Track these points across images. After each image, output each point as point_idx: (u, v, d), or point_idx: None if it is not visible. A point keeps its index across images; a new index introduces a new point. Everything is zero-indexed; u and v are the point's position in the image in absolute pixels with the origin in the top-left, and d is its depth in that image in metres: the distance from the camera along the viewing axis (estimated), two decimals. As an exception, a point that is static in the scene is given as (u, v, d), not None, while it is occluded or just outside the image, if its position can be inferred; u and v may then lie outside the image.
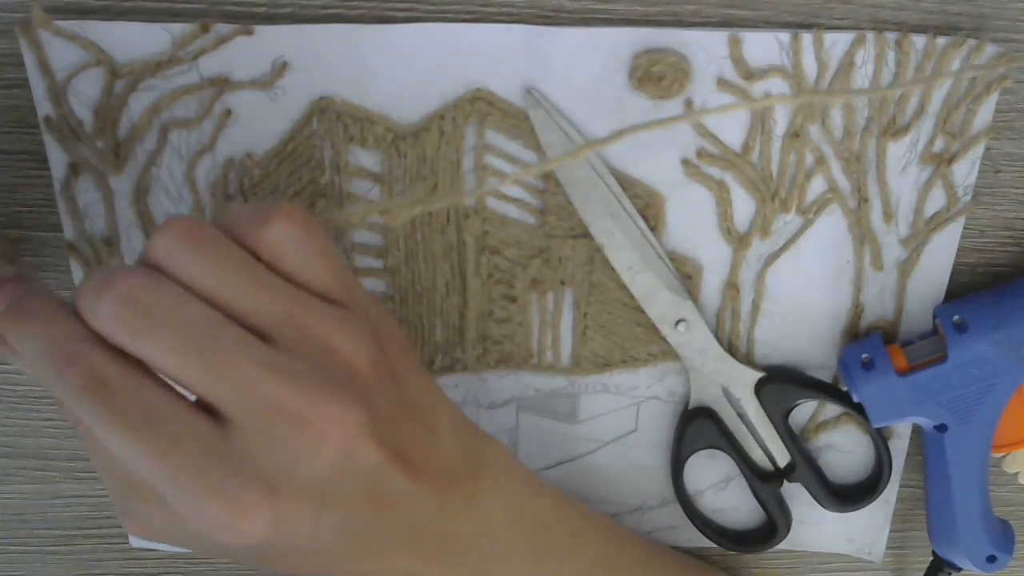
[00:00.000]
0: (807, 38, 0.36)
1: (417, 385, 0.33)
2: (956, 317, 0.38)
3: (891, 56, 0.37)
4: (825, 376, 0.41)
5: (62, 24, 0.33)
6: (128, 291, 0.26)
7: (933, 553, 0.43)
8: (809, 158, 0.38)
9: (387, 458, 0.29)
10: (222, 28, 0.34)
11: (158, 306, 0.26)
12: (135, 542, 0.42)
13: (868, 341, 0.39)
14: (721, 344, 0.40)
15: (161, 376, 0.27)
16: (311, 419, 0.27)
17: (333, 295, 0.30)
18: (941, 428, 0.39)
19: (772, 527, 0.42)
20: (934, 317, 0.40)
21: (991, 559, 0.41)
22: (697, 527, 0.42)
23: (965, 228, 0.40)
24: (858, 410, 0.39)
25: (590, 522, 0.39)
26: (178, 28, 0.34)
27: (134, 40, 0.34)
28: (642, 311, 0.39)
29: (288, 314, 0.28)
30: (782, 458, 0.41)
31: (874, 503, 0.42)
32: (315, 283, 0.29)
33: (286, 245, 0.28)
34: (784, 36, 0.36)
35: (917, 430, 0.42)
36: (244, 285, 0.28)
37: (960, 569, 0.42)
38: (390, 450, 0.30)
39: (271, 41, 0.35)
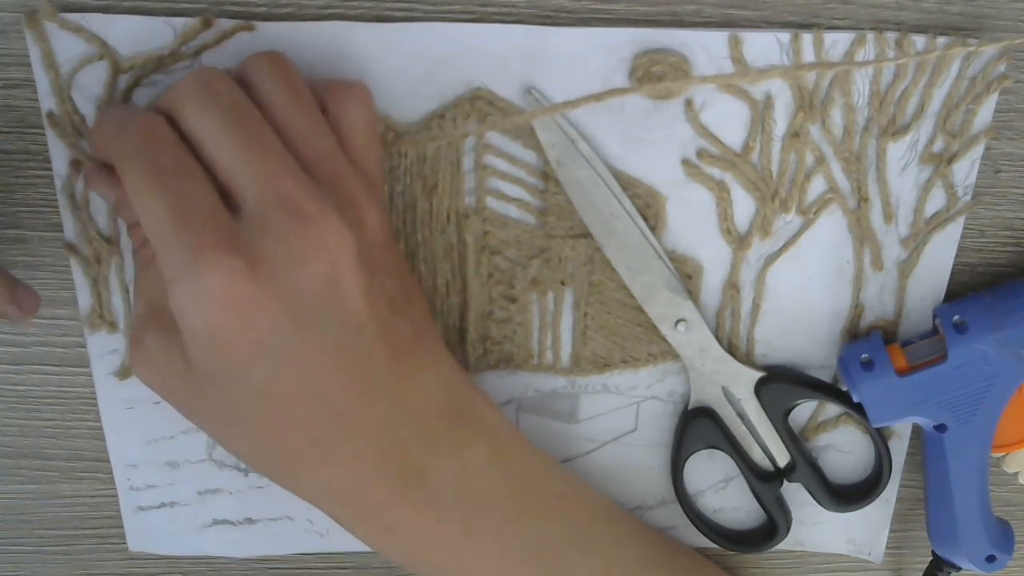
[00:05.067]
0: (807, 38, 0.36)
1: (412, 305, 0.34)
2: (956, 317, 0.38)
3: (891, 56, 0.37)
4: (825, 376, 0.41)
5: (67, 16, 0.33)
6: (207, 78, 0.31)
7: (933, 553, 0.43)
8: (809, 158, 0.38)
9: (369, 308, 0.31)
10: (224, 23, 0.34)
11: (225, 94, 0.30)
12: (133, 546, 0.42)
13: (868, 341, 0.39)
14: (721, 344, 0.40)
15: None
16: (316, 221, 0.29)
17: (369, 175, 0.33)
18: (941, 428, 0.39)
19: (772, 527, 0.42)
20: (934, 317, 0.40)
21: (991, 559, 0.41)
22: (697, 527, 0.42)
23: (965, 228, 0.40)
24: (858, 410, 0.39)
25: (581, 490, 0.39)
26: (180, 23, 0.34)
27: (137, 35, 0.34)
28: (642, 311, 0.39)
29: (329, 156, 0.31)
30: (782, 458, 0.41)
31: (874, 503, 0.42)
32: (360, 157, 0.32)
33: (354, 107, 0.33)
34: (784, 36, 0.36)
35: (917, 430, 0.42)
36: (302, 115, 0.31)
37: (960, 569, 0.42)
38: (377, 311, 0.32)
39: (272, 38, 0.35)
